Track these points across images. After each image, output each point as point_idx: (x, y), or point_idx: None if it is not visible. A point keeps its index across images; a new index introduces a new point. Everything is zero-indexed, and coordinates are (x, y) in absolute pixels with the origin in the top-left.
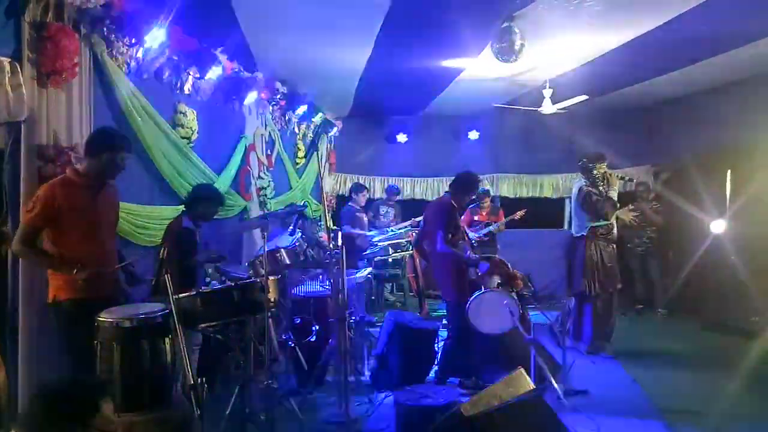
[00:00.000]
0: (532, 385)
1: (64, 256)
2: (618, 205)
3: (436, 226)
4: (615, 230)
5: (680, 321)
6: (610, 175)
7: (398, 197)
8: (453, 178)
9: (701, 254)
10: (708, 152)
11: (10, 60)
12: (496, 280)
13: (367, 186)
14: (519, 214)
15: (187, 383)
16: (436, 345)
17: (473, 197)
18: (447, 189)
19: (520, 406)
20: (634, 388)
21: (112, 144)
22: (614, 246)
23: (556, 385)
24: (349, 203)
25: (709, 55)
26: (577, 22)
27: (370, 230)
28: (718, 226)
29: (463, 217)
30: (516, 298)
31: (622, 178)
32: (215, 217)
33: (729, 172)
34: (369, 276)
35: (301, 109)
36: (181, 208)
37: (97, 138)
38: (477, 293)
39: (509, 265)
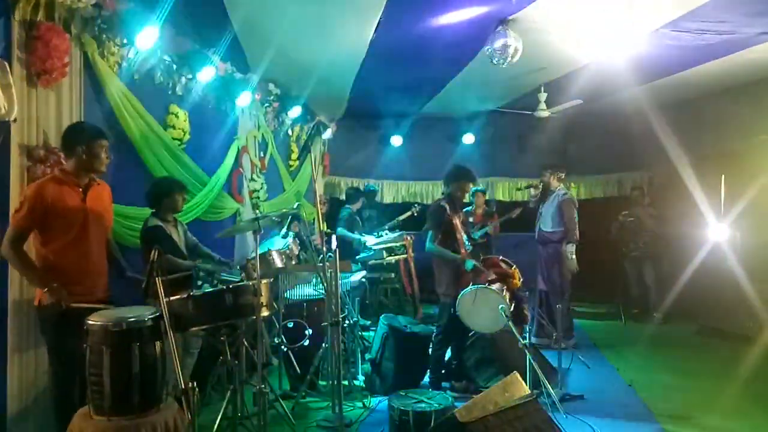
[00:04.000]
0: (527, 390)
1: (46, 267)
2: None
3: (428, 227)
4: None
5: (675, 325)
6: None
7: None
8: None
9: (696, 258)
10: (702, 157)
11: None
12: (492, 274)
13: (362, 189)
14: (516, 212)
15: (178, 387)
16: (430, 349)
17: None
18: (442, 192)
19: (515, 411)
20: (629, 392)
21: (83, 134)
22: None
23: (551, 390)
24: (347, 205)
25: (702, 62)
26: (574, 25)
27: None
28: (713, 231)
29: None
30: (508, 296)
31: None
32: (210, 217)
33: (723, 176)
34: (363, 279)
35: (295, 111)
36: None
37: (68, 133)
38: (469, 287)
39: (509, 264)
